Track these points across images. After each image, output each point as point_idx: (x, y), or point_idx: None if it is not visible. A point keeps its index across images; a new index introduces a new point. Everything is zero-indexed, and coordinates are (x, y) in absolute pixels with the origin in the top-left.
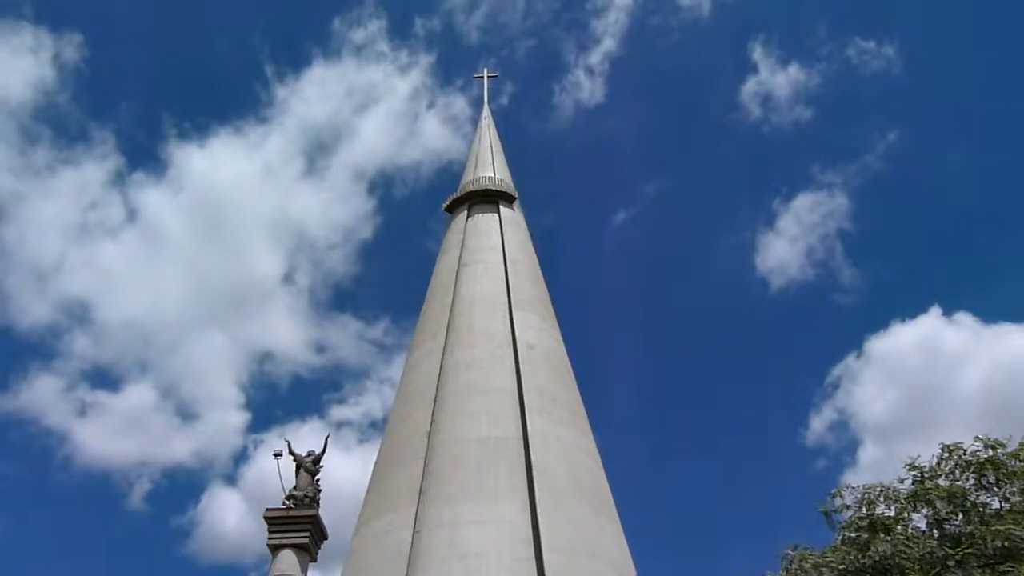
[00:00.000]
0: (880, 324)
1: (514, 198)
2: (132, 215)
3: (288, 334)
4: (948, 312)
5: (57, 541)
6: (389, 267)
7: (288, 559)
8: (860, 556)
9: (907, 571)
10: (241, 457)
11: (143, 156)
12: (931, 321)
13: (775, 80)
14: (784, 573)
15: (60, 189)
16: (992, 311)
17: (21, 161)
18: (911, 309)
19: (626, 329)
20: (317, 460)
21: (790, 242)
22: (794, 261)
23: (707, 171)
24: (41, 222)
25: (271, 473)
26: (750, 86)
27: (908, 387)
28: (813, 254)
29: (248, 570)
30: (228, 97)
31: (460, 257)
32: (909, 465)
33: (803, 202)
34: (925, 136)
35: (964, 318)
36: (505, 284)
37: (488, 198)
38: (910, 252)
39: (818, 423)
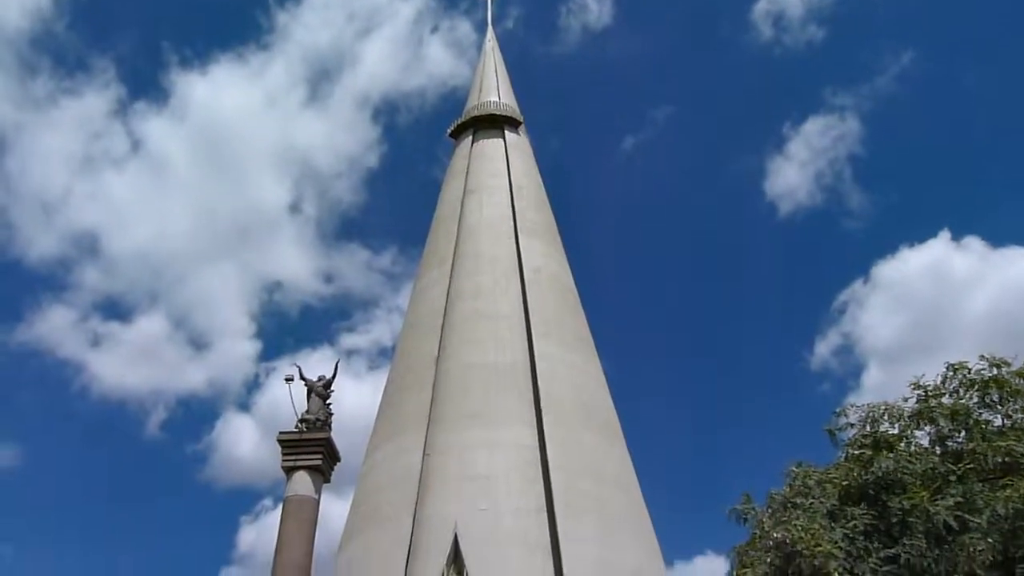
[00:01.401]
0: (888, 249)
1: (519, 123)
2: (136, 146)
3: (296, 264)
4: (957, 236)
5: (76, 469)
6: (396, 195)
7: (302, 480)
8: (863, 472)
9: (908, 486)
10: (253, 385)
11: (145, 85)
12: (940, 245)
13: None
14: (788, 489)
15: (62, 120)
16: (1001, 235)
17: (21, 91)
18: (920, 234)
19: (632, 255)
20: (328, 385)
21: (799, 167)
22: (803, 186)
23: (717, 95)
24: (45, 153)
25: (283, 399)
26: (762, 5)
27: (915, 311)
28: (822, 179)
29: (264, 493)
30: (229, 23)
31: (465, 184)
32: (914, 384)
33: (814, 126)
34: (940, 58)
35: (973, 242)
36: (511, 210)
37: (493, 123)
38: (921, 176)
39: (823, 348)
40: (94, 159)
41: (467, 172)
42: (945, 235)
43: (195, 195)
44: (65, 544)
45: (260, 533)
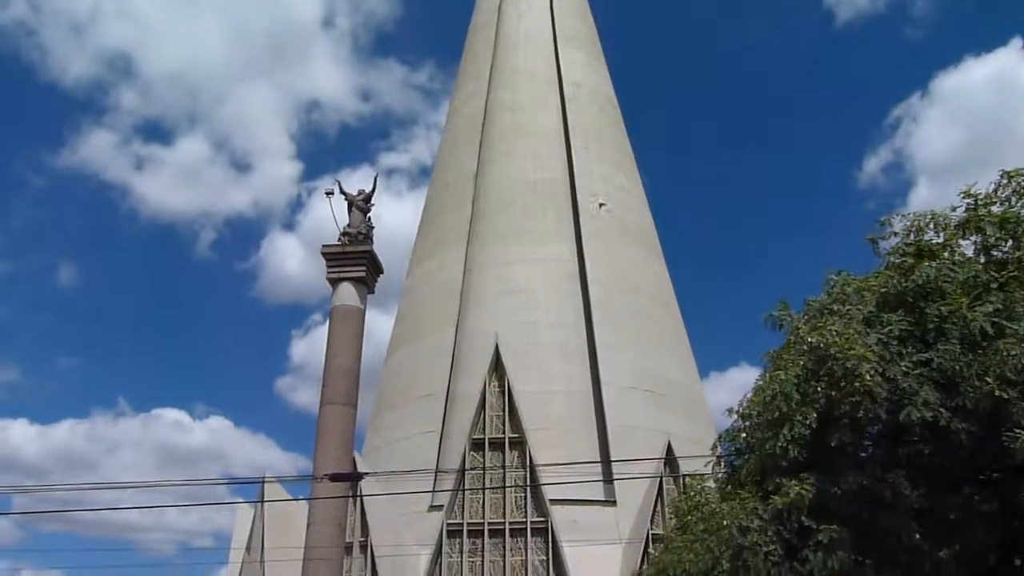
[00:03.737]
0: (951, 60)
1: None
2: None
3: (333, 82)
4: None
5: (133, 287)
6: (432, 6)
7: (347, 291)
8: (903, 280)
9: (948, 294)
10: (296, 205)
11: None
12: (1008, 55)
13: None
14: (825, 297)
15: None
16: None
17: None
18: (987, 43)
19: (678, 65)
20: (368, 199)
21: None
22: None
23: None
24: None
25: (327, 219)
26: None
27: (973, 125)
28: None
29: (313, 309)
30: None
31: None
32: (964, 192)
33: None
34: None
35: None
36: (550, 19)
37: None
38: None
39: (873, 164)
40: None
41: None
42: (1016, 43)
43: (225, 11)
44: (128, 357)
45: (311, 346)
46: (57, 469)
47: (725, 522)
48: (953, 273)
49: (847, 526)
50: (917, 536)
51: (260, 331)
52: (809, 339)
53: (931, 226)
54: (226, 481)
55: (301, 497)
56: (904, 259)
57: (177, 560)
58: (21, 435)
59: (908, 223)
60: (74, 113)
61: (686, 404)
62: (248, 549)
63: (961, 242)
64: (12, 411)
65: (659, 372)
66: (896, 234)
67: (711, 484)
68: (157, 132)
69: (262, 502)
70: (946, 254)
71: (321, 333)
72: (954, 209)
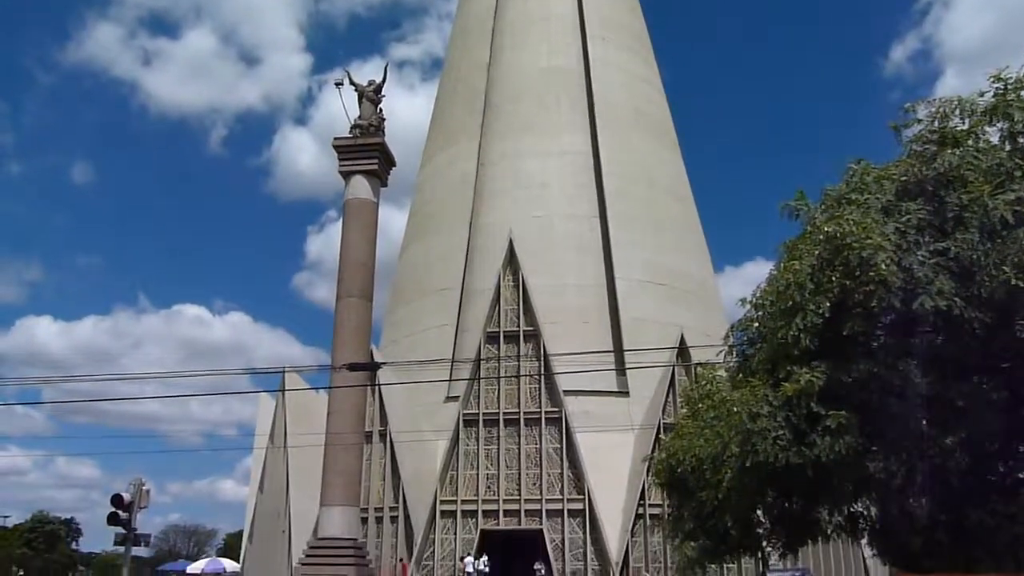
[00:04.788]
0: None
1: None
2: None
3: None
4: None
5: (147, 184)
6: None
7: (360, 184)
8: (924, 168)
9: (970, 182)
10: (307, 99)
11: None
12: None
13: None
14: (844, 186)
15: None
16: None
17: None
18: None
19: None
20: (378, 89)
21: None
22: None
23: None
24: None
25: (339, 114)
26: None
27: (1009, 8)
28: None
29: (327, 205)
30: None
31: None
32: (994, 77)
33: None
34: None
35: None
36: None
37: None
38: None
39: (899, 52)
40: None
41: None
42: None
43: None
44: (147, 254)
45: (327, 241)
46: (83, 364)
47: (735, 408)
48: (976, 161)
49: (856, 412)
50: (924, 423)
51: (276, 227)
52: (826, 228)
53: (957, 112)
54: (246, 371)
55: (321, 387)
56: (927, 147)
57: (204, 449)
58: (46, 331)
59: (933, 110)
60: (78, 5)
61: (699, 297)
62: (271, 438)
63: (987, 129)
64: (36, 308)
65: (673, 266)
66: (920, 121)
67: (722, 373)
68: (163, 25)
69: (283, 391)
70: (970, 141)
71: (336, 229)
72: (982, 95)
